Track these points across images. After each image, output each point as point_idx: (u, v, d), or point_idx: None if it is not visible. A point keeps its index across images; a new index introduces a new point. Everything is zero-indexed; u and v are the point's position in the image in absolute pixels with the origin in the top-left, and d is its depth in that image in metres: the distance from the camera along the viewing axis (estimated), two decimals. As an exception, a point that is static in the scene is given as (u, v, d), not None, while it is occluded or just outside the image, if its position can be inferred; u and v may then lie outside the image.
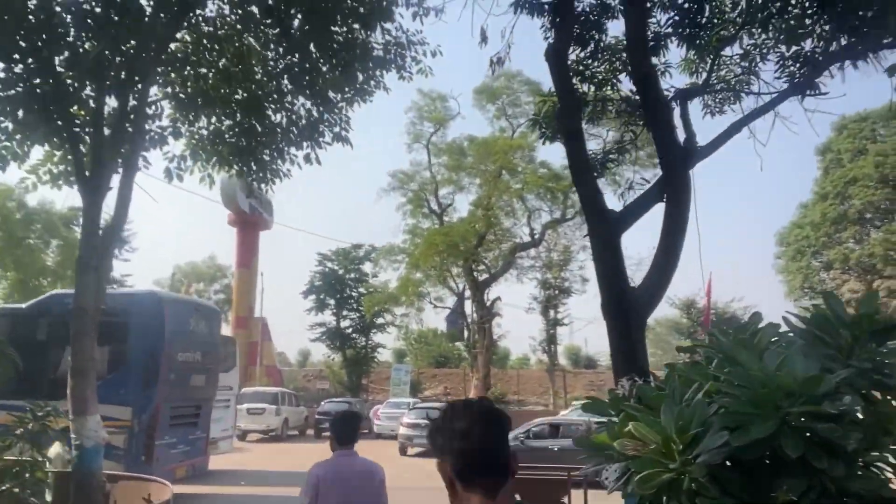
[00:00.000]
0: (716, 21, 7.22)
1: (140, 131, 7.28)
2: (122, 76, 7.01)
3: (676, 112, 6.40)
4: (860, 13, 5.79)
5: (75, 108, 7.28)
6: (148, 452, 10.05)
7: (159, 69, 8.46)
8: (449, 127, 29.62)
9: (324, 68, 9.06)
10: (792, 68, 7.06)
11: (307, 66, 8.87)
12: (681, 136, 5.89)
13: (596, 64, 7.69)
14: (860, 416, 1.97)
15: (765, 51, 7.33)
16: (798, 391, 2.05)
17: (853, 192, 33.89)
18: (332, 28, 8.07)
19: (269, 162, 9.43)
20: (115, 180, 7.43)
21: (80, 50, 7.12)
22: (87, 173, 6.63)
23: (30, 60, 6.85)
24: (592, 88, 7.82)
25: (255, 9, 8.25)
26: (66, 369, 6.33)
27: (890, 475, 1.93)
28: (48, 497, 5.29)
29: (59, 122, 6.76)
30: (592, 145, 8.97)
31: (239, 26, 8.52)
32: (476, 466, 1.56)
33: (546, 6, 6.79)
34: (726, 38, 7.20)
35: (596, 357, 49.70)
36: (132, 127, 7.19)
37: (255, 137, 8.91)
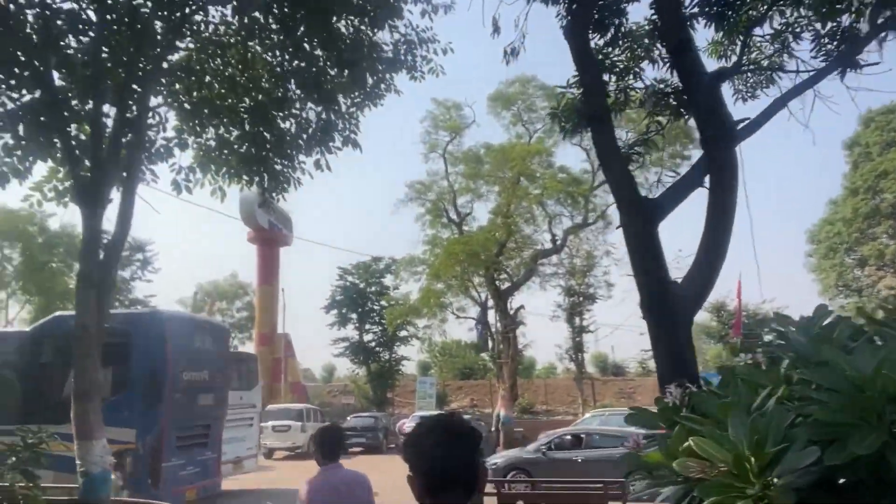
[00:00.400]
0: (745, -1, 6.77)
1: (140, 142, 7.03)
2: (121, 85, 6.75)
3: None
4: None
5: (73, 123, 7.05)
6: (154, 475, 9.77)
7: (163, 79, 8.26)
8: (464, 135, 29.35)
9: (331, 72, 8.77)
10: (829, 46, 6.57)
11: (314, 70, 8.59)
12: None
13: (616, 51, 7.26)
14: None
15: (798, 29, 6.84)
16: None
17: (884, 185, 32.86)
18: (338, 26, 7.77)
19: (280, 171, 9.16)
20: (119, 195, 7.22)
21: (77, 58, 6.91)
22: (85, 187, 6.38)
23: (25, 73, 6.64)
24: (613, 78, 7.38)
25: (258, 14, 8.00)
26: (71, 392, 6.04)
27: None
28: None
29: (57, 136, 6.52)
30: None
31: (243, 32, 8.27)
32: (440, 484, 1.60)
33: (561, -9, 6.41)
34: (757, 17, 6.73)
35: (624, 364, 48.76)
36: (132, 137, 6.94)
37: (264, 146, 8.63)
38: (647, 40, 7.06)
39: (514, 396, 27.66)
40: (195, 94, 8.54)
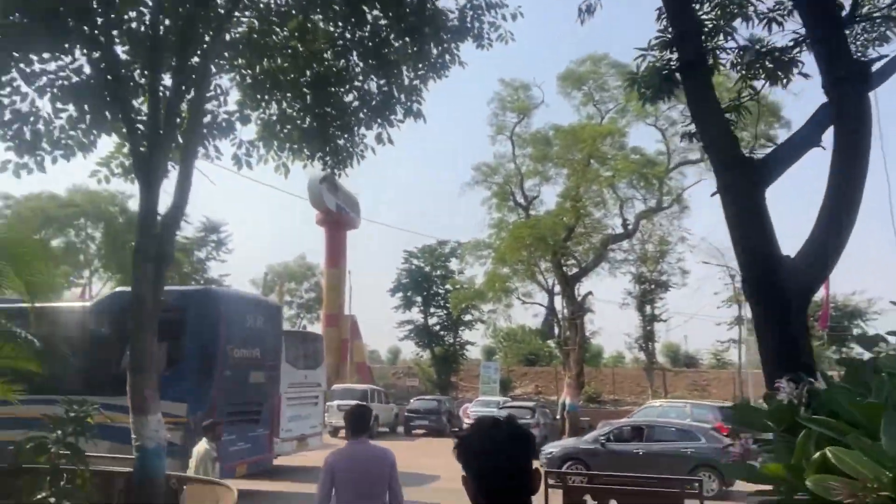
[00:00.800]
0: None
1: (198, 114, 6.89)
2: (179, 56, 6.61)
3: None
4: None
5: (133, 97, 6.98)
6: None
7: (225, 53, 8.12)
8: (533, 116, 28.55)
9: (395, 43, 8.42)
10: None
11: (377, 40, 8.26)
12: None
13: (706, 7, 6.54)
14: None
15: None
16: None
17: None
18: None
19: (342, 146, 8.91)
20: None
21: (139, 30, 6.81)
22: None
23: (87, 45, 6.59)
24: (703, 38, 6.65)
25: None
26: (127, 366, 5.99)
27: None
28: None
29: (117, 107, 6.45)
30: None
31: (304, 1, 8.02)
32: (499, 487, 1.60)
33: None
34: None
35: (697, 355, 46.88)
36: (190, 110, 6.81)
37: (326, 119, 8.39)
38: (740, -6, 6.31)
39: (581, 384, 26.92)
40: (257, 67, 8.38)
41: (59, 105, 6.99)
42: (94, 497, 5.07)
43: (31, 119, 6.93)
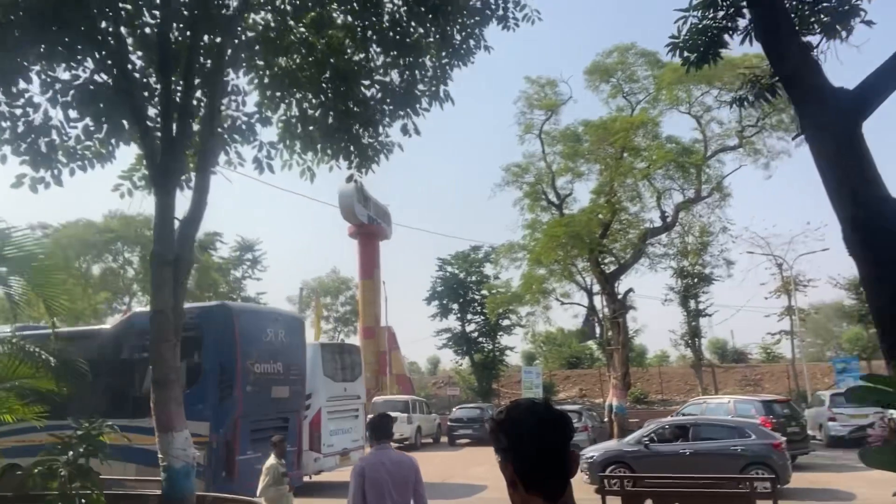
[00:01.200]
0: None
1: (213, 114, 6.58)
2: (187, 53, 6.31)
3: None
4: None
5: (146, 102, 6.71)
6: (229, 468, 9.59)
7: (242, 54, 7.84)
8: (561, 113, 27.81)
9: (417, 31, 8.03)
10: None
11: (398, 28, 7.88)
12: None
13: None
14: None
15: None
16: None
17: None
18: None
19: (367, 144, 8.54)
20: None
21: (151, 35, 6.55)
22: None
23: (94, 53, 6.35)
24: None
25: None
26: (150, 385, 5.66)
27: None
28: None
29: (129, 113, 6.17)
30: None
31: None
32: (541, 470, 1.59)
33: None
34: None
35: (745, 350, 45.24)
36: (205, 113, 6.50)
37: (347, 115, 8.03)
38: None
39: (627, 385, 26.00)
40: (274, 67, 8.08)
41: (73, 114, 6.76)
42: (117, 522, 4.73)
43: (46, 130, 6.71)
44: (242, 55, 7.86)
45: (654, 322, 61.85)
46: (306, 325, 38.94)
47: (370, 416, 25.61)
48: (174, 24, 6.74)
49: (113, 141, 7.12)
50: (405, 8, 7.65)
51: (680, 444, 13.65)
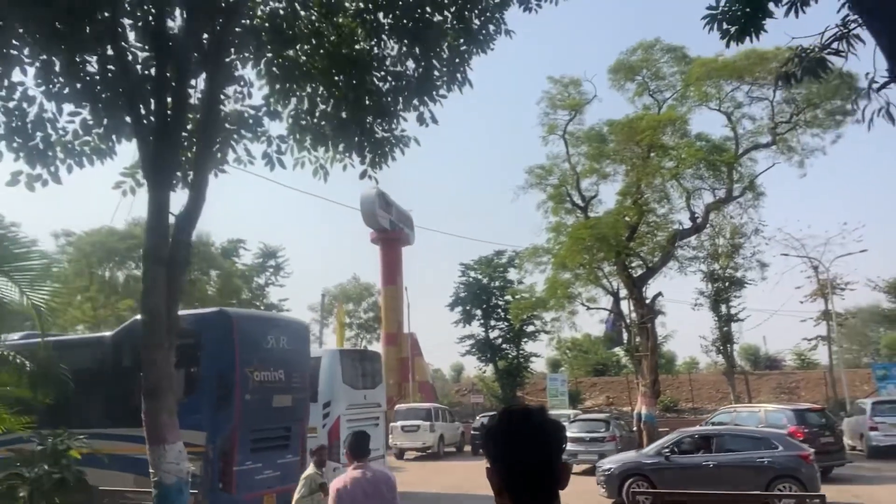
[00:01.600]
0: None
1: (213, 105, 6.17)
2: (184, 40, 5.92)
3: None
4: None
5: (145, 94, 6.33)
6: (226, 479, 9.22)
7: (248, 44, 7.45)
8: (585, 113, 27.14)
9: (436, 15, 7.57)
10: None
11: (414, 15, 7.42)
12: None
13: None
14: None
15: None
16: None
17: None
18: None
19: (382, 138, 8.08)
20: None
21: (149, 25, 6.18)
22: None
23: (93, 44, 6.00)
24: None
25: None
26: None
27: None
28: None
29: (126, 105, 5.79)
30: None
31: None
32: (527, 478, 1.55)
33: None
34: None
35: (779, 356, 43.86)
36: (203, 103, 6.10)
37: (359, 107, 7.58)
38: None
39: (657, 393, 25.12)
40: (281, 58, 7.68)
41: (70, 108, 6.41)
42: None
43: (42, 125, 6.36)
44: (249, 45, 7.48)
45: (684, 327, 60.51)
46: (328, 332, 38.48)
47: (402, 424, 25.27)
48: (174, 9, 6.35)
49: (114, 137, 6.77)
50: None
51: (703, 455, 12.91)
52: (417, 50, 7.68)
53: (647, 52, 25.45)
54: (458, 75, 7.34)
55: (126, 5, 6.11)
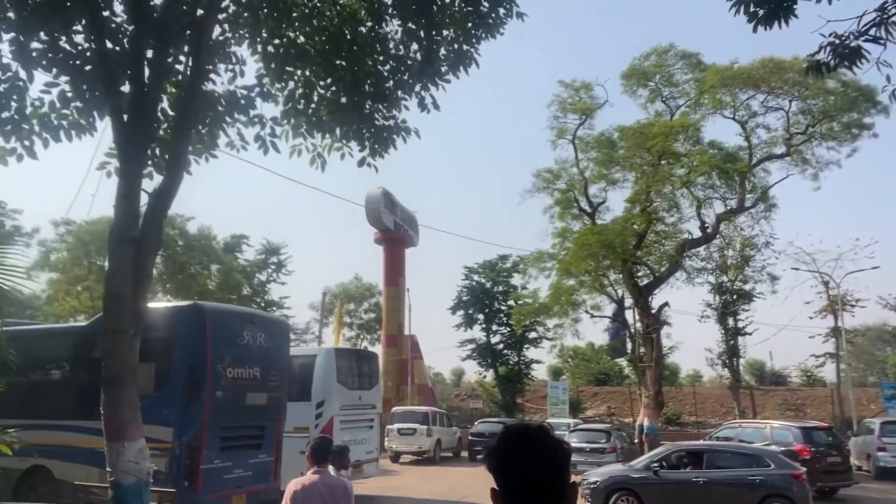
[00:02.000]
0: None
1: (197, 76, 5.75)
2: (168, 7, 5.52)
3: None
4: None
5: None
6: (192, 477, 8.90)
7: (245, 22, 7.06)
8: (595, 118, 26.66)
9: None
10: None
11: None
12: None
13: None
14: None
15: None
16: None
17: None
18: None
19: (382, 126, 7.66)
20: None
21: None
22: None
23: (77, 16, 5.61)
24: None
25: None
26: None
27: None
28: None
29: (100, 76, 5.39)
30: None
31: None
32: (527, 498, 1.52)
33: None
34: None
35: (784, 372, 43.14)
36: (185, 79, 5.70)
37: (358, 90, 7.16)
38: None
39: (660, 405, 24.57)
40: (278, 38, 7.27)
41: (47, 79, 6.02)
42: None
43: (15, 97, 5.97)
44: (244, 22, 7.08)
45: (689, 339, 59.63)
46: (328, 331, 38.06)
47: (398, 427, 24.81)
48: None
49: (95, 114, 6.37)
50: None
51: (692, 471, 12.50)
52: (422, 33, 7.26)
53: (661, 57, 24.99)
54: (464, 56, 6.89)
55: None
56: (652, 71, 25.36)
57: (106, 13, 5.95)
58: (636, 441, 22.68)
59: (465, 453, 26.72)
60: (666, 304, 25.49)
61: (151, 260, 5.14)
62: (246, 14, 7.17)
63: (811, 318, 29.21)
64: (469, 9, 7.20)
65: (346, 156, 8.02)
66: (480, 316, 37.49)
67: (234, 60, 6.82)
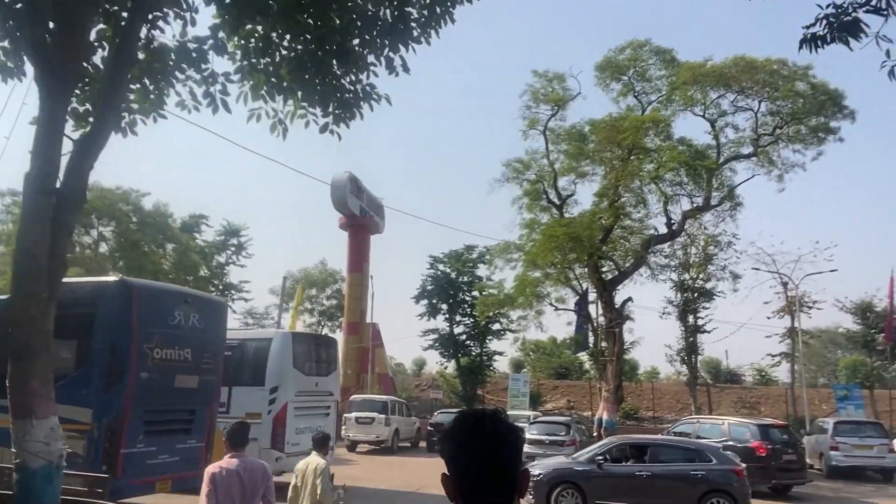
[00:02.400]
0: None
1: (132, 22, 5.15)
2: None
3: None
4: None
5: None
6: (111, 462, 8.41)
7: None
8: (567, 109, 26.48)
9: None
10: None
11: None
12: None
13: None
14: None
15: None
16: None
17: None
18: None
19: (348, 91, 7.13)
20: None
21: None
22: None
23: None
24: None
25: None
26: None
27: None
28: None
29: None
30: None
31: None
32: (479, 483, 1.49)
33: None
34: None
35: (739, 371, 43.93)
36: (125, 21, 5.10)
37: (321, 46, 6.62)
38: None
39: (620, 399, 24.62)
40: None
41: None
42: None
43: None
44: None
45: (649, 336, 60.31)
46: (288, 317, 37.18)
47: (356, 415, 24.19)
48: None
49: (23, 55, 5.70)
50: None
51: (636, 465, 12.48)
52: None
53: (637, 51, 24.91)
54: (436, 15, 6.39)
55: None
56: (626, 65, 25.26)
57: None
58: (595, 434, 22.66)
59: (423, 444, 26.38)
60: (629, 299, 25.57)
61: (74, 217, 4.53)
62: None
63: (769, 317, 29.66)
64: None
65: (311, 124, 7.50)
66: (444, 306, 37.12)
67: (184, 7, 6.20)
